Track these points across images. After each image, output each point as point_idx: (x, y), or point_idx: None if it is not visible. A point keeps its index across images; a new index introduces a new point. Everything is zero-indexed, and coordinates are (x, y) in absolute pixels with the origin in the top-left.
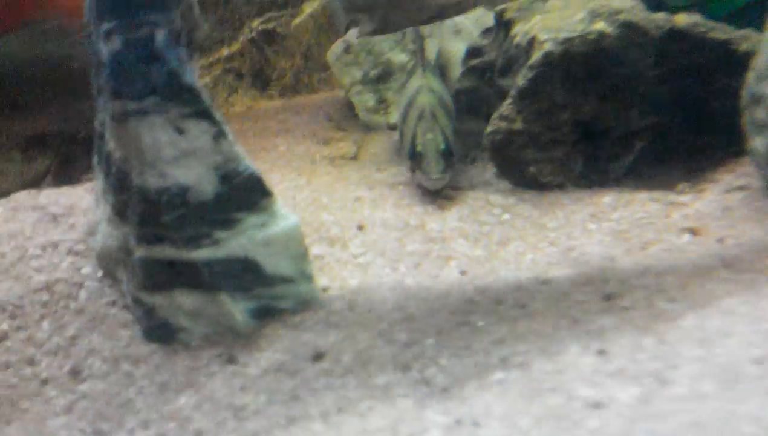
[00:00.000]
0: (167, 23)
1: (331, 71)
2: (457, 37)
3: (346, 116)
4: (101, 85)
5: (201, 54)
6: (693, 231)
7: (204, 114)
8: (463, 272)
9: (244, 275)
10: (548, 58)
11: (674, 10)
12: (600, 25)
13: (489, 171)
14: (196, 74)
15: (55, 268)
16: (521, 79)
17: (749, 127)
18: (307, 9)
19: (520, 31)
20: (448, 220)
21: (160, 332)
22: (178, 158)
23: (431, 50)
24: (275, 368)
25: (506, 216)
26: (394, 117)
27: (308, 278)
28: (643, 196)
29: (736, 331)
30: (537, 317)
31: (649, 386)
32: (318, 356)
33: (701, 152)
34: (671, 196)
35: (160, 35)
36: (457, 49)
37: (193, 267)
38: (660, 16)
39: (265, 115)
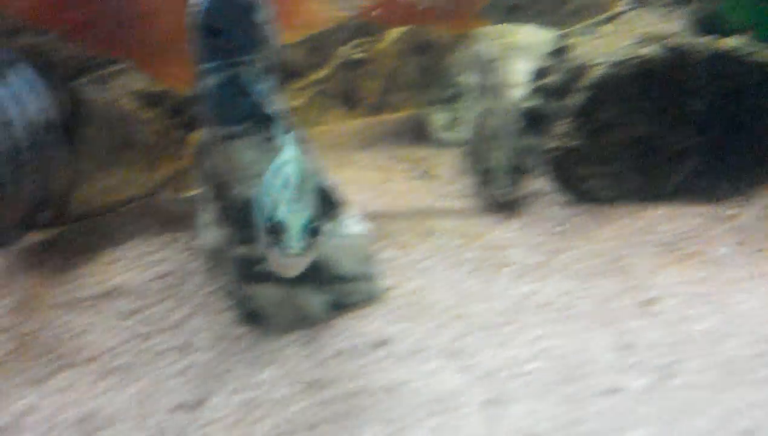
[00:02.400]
0: (254, 62)
1: (413, 92)
2: (521, 57)
3: (422, 134)
4: (203, 114)
5: (294, 78)
6: (734, 244)
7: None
8: (514, 278)
9: (321, 272)
10: (601, 80)
11: (729, 32)
12: (648, 49)
13: (550, 185)
14: (279, 103)
15: (173, 260)
16: (577, 99)
17: None
18: (391, 36)
19: (577, 55)
20: (508, 230)
21: (253, 317)
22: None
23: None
24: (343, 352)
25: (562, 228)
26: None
27: (374, 278)
28: (691, 210)
29: (741, 332)
30: (579, 318)
31: (656, 378)
32: (379, 344)
33: (749, 169)
34: (717, 211)
35: (249, 74)
36: (521, 69)
37: None
38: (706, 40)
39: (351, 132)
